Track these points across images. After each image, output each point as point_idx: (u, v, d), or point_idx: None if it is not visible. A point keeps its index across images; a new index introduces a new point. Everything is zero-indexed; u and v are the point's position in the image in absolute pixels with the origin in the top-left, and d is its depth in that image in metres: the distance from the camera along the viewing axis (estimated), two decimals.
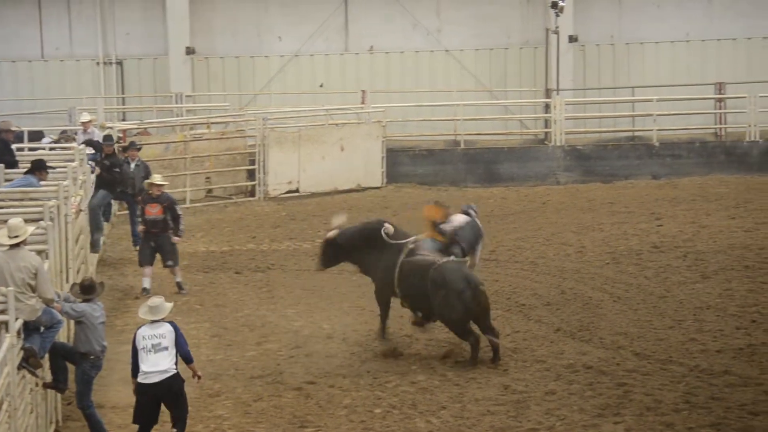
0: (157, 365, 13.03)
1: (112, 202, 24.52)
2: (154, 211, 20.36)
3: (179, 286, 20.42)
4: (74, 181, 18.41)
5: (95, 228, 21.91)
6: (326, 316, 18.91)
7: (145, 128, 30.55)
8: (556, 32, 34.40)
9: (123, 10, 35.77)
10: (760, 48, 36.17)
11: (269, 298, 20.32)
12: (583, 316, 18.53)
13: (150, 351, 13.06)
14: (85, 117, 25.90)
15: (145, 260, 20.53)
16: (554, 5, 33.72)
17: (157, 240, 20.39)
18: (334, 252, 17.92)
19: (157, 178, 20.80)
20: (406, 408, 14.74)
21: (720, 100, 33.98)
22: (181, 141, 29.69)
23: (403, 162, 31.94)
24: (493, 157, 32.35)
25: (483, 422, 14.14)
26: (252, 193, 30.23)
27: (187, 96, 34.57)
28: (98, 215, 22.44)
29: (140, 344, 13.11)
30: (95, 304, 13.63)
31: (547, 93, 34.92)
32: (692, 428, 13.59)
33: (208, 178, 30.17)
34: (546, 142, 33.14)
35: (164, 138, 30.44)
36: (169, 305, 13.42)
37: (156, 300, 13.36)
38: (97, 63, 35.77)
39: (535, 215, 27.21)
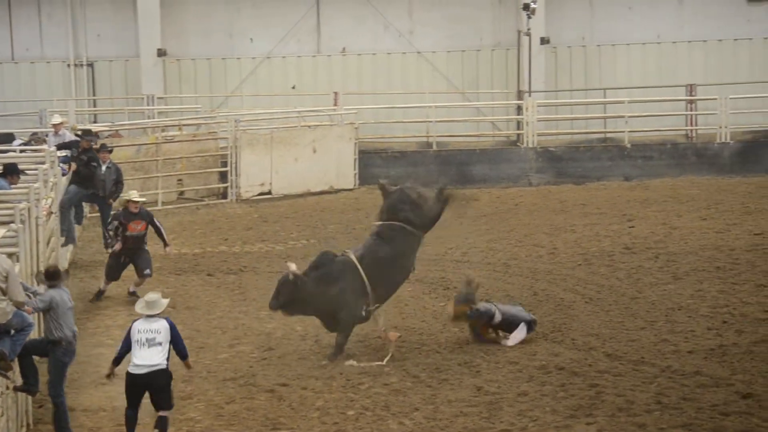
0: (149, 359, 13.29)
1: (84, 204, 24.42)
2: (138, 227, 19.99)
3: (133, 294, 20.04)
4: (45, 184, 18.30)
5: (63, 221, 21.71)
6: (299, 318, 18.82)
7: (117, 130, 30.39)
8: (528, 34, 34.46)
9: (94, 11, 35.63)
10: (730, 50, 36.34)
11: (242, 301, 20.27)
12: (555, 318, 18.56)
13: (144, 345, 13.30)
14: (56, 119, 25.67)
15: (113, 276, 20.30)
16: (526, 7, 33.76)
17: (132, 254, 20.10)
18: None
19: (134, 195, 20.28)
20: (379, 410, 14.73)
21: (691, 101, 34.14)
22: (152, 143, 29.58)
23: (375, 164, 31.90)
24: (466, 159, 32.37)
25: (456, 424, 14.14)
26: (224, 195, 30.15)
27: (158, 98, 34.45)
28: (67, 211, 22.30)
29: (134, 337, 13.35)
30: (62, 289, 13.61)
31: (519, 95, 34.97)
32: (664, 429, 13.62)
33: (179, 180, 30.07)
34: (518, 144, 33.16)
35: (136, 140, 30.31)
36: (166, 301, 13.67)
37: (153, 295, 13.57)
38: (68, 65, 35.60)
39: (508, 217, 27.23)
